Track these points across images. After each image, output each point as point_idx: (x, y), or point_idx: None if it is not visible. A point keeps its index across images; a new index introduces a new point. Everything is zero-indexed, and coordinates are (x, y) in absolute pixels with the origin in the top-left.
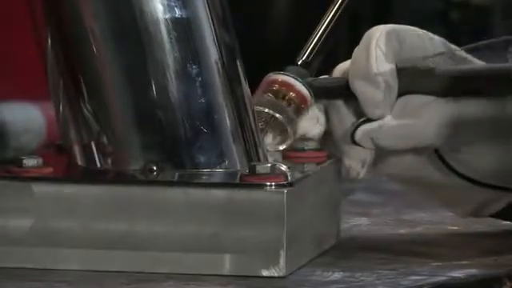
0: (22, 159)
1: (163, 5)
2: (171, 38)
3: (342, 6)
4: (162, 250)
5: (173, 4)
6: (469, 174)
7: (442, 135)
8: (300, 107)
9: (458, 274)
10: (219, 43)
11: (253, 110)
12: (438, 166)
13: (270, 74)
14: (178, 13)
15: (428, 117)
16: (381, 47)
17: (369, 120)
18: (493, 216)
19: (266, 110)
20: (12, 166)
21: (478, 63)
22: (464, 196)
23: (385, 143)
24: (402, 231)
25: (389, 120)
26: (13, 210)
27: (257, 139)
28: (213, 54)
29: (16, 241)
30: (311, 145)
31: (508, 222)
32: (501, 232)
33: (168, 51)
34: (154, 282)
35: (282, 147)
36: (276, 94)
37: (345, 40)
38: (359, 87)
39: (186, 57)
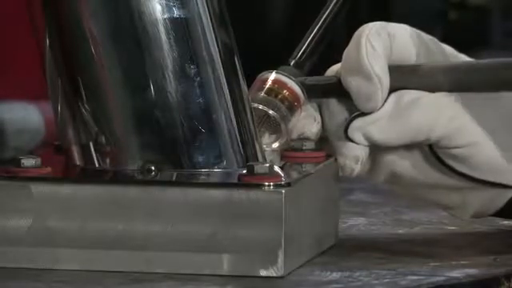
0: (20, 159)
1: (161, 5)
2: (169, 38)
3: (336, 7)
4: (161, 250)
5: (171, 4)
6: (465, 171)
7: (436, 131)
8: (293, 105)
9: (457, 273)
10: (217, 43)
11: (251, 110)
12: (434, 164)
13: (263, 73)
14: (176, 13)
15: (421, 112)
16: (371, 43)
17: (362, 115)
18: (492, 215)
19: (261, 107)
20: (10, 166)
21: (466, 59)
22: (463, 197)
23: (378, 138)
24: (401, 231)
25: (381, 115)
26: (11, 210)
27: (255, 139)
28: (211, 54)
29: (14, 241)
30: (309, 145)
31: (506, 222)
32: (500, 232)
33: (166, 51)
34: (152, 281)
35: (275, 145)
36: (269, 92)
37: (343, 40)
38: (351, 82)
39: (184, 57)
